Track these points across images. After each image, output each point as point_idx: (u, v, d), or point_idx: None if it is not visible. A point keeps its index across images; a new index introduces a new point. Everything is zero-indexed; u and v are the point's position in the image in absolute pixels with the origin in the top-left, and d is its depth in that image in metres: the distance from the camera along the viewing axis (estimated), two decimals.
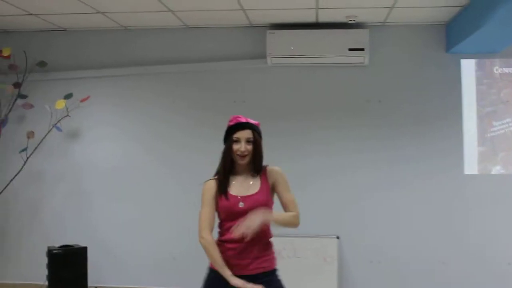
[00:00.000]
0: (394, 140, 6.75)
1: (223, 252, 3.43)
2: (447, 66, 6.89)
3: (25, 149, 6.97)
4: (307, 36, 6.79)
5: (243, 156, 3.55)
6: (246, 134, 3.55)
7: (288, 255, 6.82)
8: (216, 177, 3.60)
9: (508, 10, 5.02)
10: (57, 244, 6.61)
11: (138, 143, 7.15)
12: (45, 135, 7.01)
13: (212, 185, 3.55)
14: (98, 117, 7.26)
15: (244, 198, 3.49)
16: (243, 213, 3.40)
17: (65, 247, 6.57)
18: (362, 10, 6.36)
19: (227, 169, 3.58)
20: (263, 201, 3.51)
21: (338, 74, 7.00)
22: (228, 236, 3.45)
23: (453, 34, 6.65)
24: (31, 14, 6.48)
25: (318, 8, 6.24)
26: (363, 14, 6.51)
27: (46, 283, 6.40)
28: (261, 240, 3.49)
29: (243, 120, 3.60)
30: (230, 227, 3.41)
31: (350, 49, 6.72)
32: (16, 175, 6.97)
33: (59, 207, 7.23)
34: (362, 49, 6.71)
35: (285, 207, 3.57)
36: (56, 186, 7.27)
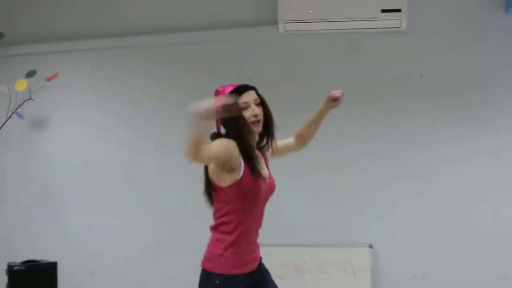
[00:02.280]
0: (442, 123, 6.24)
1: (241, 252, 3.43)
2: (506, 31, 6.44)
3: None
4: None
5: (258, 122, 3.49)
6: (252, 96, 3.52)
7: (308, 269, 6.58)
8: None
9: None
10: (19, 259, 6.32)
11: (120, 132, 6.86)
12: (3, 124, 6.72)
13: (236, 147, 3.33)
14: (68, 101, 7.05)
15: (267, 180, 3.53)
16: (266, 197, 3.51)
17: (30, 262, 6.32)
18: None
19: (249, 144, 3.44)
20: (275, 185, 3.65)
21: (368, 42, 6.59)
22: (244, 230, 3.42)
23: None
24: None
25: None
26: None
27: None
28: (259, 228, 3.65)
29: (236, 85, 3.58)
30: (250, 212, 3.43)
31: (383, 10, 6.27)
32: None
33: (21, 213, 7.04)
34: (399, 10, 6.25)
35: (287, 143, 3.99)
36: (18, 186, 7.12)
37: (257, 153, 3.58)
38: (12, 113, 6.64)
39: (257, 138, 3.60)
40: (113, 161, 6.84)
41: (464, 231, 6.19)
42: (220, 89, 3.55)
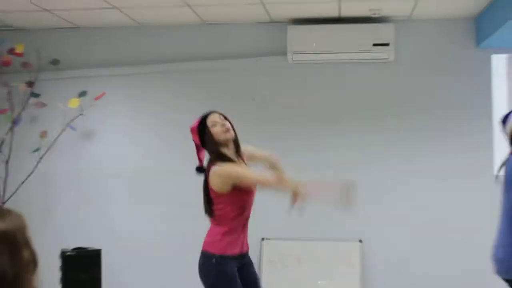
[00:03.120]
0: (421, 141, 6.52)
1: (233, 239, 3.84)
2: (477, 62, 6.72)
3: (37, 150, 6.92)
4: (329, 31, 6.70)
5: (227, 130, 3.84)
6: (217, 116, 3.91)
7: (308, 259, 6.85)
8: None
9: None
10: (70, 246, 6.49)
11: (156, 142, 7.05)
12: (59, 135, 6.93)
13: None
14: (113, 116, 7.17)
15: None
16: (251, 197, 3.87)
17: (79, 249, 6.49)
18: (387, 3, 6.26)
19: (227, 158, 3.82)
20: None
21: (362, 71, 6.88)
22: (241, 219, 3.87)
23: (483, 28, 6.50)
24: (44, 10, 6.34)
25: (341, 2, 6.09)
26: (387, 7, 6.37)
27: (60, 286, 6.29)
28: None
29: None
30: (240, 222, 3.86)
31: (375, 45, 6.59)
32: (28, 176, 6.89)
33: (73, 209, 7.16)
34: (387, 45, 6.57)
35: (264, 157, 4.24)
36: (70, 187, 7.21)
37: (239, 161, 3.93)
38: (66, 126, 6.85)
39: (232, 149, 3.90)
40: (148, 166, 6.98)
41: (442, 230, 6.44)
42: (191, 127, 3.97)
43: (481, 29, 6.52)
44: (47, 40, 7.16)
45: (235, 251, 3.89)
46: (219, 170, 3.75)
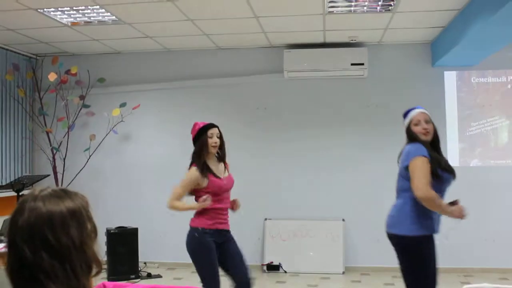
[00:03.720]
0: (389, 138, 6.57)
1: (216, 216, 4.05)
2: (432, 77, 7.12)
3: (88, 149, 7.31)
4: (317, 54, 7.01)
5: (215, 147, 4.07)
6: (215, 131, 4.11)
7: (302, 235, 7.12)
8: (196, 166, 4.05)
9: (477, 31, 5.34)
10: (114, 225, 6.79)
11: (178, 143, 7.18)
12: (104, 137, 7.34)
13: (197, 174, 4.01)
14: (146, 122, 7.52)
15: (224, 178, 4.11)
16: (227, 189, 4.11)
17: (120, 228, 6.79)
18: (362, 31, 6.60)
19: (203, 159, 4.06)
20: (233, 180, 4.20)
21: (342, 85, 7.23)
22: (218, 205, 4.04)
23: (437, 50, 6.90)
24: (94, 40, 6.85)
25: (326, 31, 6.51)
26: (362, 35, 6.76)
27: (105, 257, 6.55)
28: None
29: (207, 123, 4.15)
30: (217, 199, 4.02)
31: (352, 64, 6.94)
32: (81, 170, 7.29)
33: (115, 195, 7.50)
34: (362, 64, 6.93)
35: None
36: (113, 178, 7.55)
37: (216, 164, 4.13)
38: (110, 130, 7.30)
39: (216, 156, 4.13)
40: (171, 161, 7.08)
41: None
42: (195, 123, 4.16)
43: (435, 51, 6.95)
44: (95, 63, 7.53)
45: (216, 226, 4.04)
46: (187, 173, 4.10)
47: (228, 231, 4.17)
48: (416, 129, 3.81)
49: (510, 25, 5.05)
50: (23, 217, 1.47)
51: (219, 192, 4.06)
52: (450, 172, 3.72)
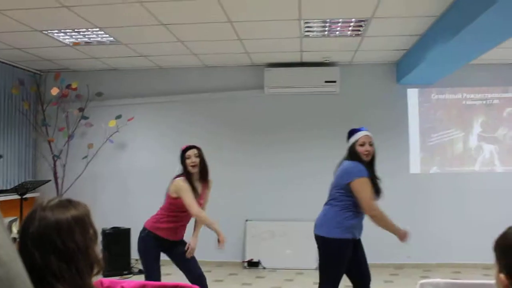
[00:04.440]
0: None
1: (177, 229, 4.10)
2: (397, 94, 7.23)
3: (86, 157, 7.30)
4: (294, 72, 7.06)
5: (194, 166, 4.09)
6: (193, 151, 4.12)
7: (279, 234, 7.15)
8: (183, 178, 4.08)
9: (436, 53, 5.46)
10: (109, 226, 6.75)
11: (167, 151, 7.11)
12: (101, 146, 7.31)
13: (187, 184, 4.04)
14: (139, 133, 7.51)
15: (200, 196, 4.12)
16: (185, 214, 4.08)
17: (115, 228, 6.75)
18: (334, 52, 6.68)
19: (188, 177, 4.09)
20: (205, 199, 4.21)
21: (317, 100, 7.29)
22: (179, 223, 4.11)
23: (401, 70, 7.00)
24: (92, 58, 6.88)
25: (302, 51, 6.59)
26: (335, 55, 6.85)
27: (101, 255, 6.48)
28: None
29: (190, 144, 4.18)
30: (182, 215, 4.05)
31: (326, 81, 7.01)
32: (79, 176, 7.27)
33: (110, 199, 7.46)
34: (335, 82, 7.00)
35: (203, 205, 4.20)
36: (108, 184, 7.53)
37: (197, 182, 4.10)
38: (107, 140, 7.26)
39: (197, 176, 4.10)
40: (162, 168, 6.57)
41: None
42: (182, 148, 4.17)
43: (400, 70, 7.05)
44: (94, 78, 7.51)
45: (165, 235, 4.04)
46: (177, 182, 4.06)
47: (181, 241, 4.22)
48: (360, 149, 3.86)
49: (465, 49, 5.19)
50: (34, 225, 1.52)
51: (183, 208, 4.05)
52: (378, 188, 3.88)
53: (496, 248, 1.58)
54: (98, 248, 1.62)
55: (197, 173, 4.13)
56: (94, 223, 1.62)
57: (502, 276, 1.50)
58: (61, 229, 1.52)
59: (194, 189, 4.05)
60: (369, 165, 3.87)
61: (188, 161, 4.09)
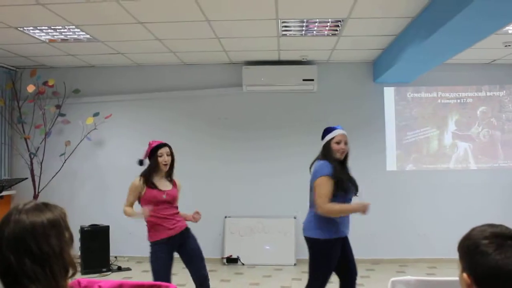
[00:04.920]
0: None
1: (163, 227, 4.06)
2: (374, 92, 7.29)
3: (63, 154, 7.26)
4: (272, 70, 7.09)
5: (166, 165, 4.13)
6: (165, 149, 4.16)
7: (258, 231, 7.20)
8: (141, 177, 4.14)
9: (411, 53, 5.53)
10: (87, 223, 6.74)
11: (143, 149, 6.75)
12: (78, 143, 7.29)
13: (137, 183, 4.12)
14: (117, 130, 7.48)
15: (165, 192, 4.13)
16: (166, 200, 4.10)
17: (93, 225, 6.75)
18: (312, 51, 6.74)
19: (152, 173, 4.14)
20: (174, 195, 4.17)
21: (295, 98, 7.34)
22: (162, 214, 4.08)
23: (378, 69, 7.06)
24: (69, 55, 6.81)
25: (280, 50, 6.62)
26: (312, 54, 6.89)
27: (79, 253, 6.48)
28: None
29: (162, 142, 4.19)
30: (158, 209, 4.04)
31: (304, 80, 7.05)
32: (57, 173, 7.23)
33: (88, 196, 7.44)
34: (312, 80, 7.04)
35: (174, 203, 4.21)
36: (86, 181, 7.50)
37: (163, 179, 4.14)
38: (84, 137, 7.23)
39: (165, 173, 4.14)
40: (141, 166, 6.80)
41: None
42: (151, 142, 4.19)
43: (377, 69, 7.11)
44: (70, 75, 7.45)
45: (166, 234, 4.04)
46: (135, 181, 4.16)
47: (183, 232, 4.18)
48: (336, 147, 3.94)
49: (440, 49, 5.27)
50: (9, 228, 1.52)
51: (157, 203, 4.07)
52: (352, 184, 3.96)
53: (459, 248, 1.64)
54: (73, 251, 1.62)
55: (165, 171, 4.18)
56: (70, 227, 1.62)
57: (465, 275, 1.55)
58: (36, 233, 1.52)
59: (154, 185, 4.08)
60: (342, 163, 3.97)
61: (160, 159, 4.11)
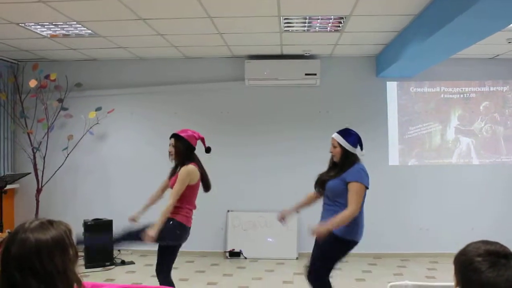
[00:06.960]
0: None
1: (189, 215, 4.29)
2: (376, 87, 7.26)
3: (66, 148, 7.25)
4: (275, 64, 7.06)
5: (169, 154, 4.35)
6: (171, 140, 4.35)
7: (261, 225, 7.21)
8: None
9: (414, 49, 5.49)
10: (90, 218, 6.75)
11: (148, 142, 7.30)
12: (81, 138, 7.28)
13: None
14: (120, 124, 7.47)
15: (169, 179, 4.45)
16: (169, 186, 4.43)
17: (96, 220, 6.74)
18: (314, 46, 6.69)
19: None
20: (171, 185, 4.35)
21: (297, 92, 7.31)
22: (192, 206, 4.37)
23: (381, 63, 7.03)
24: (71, 49, 6.79)
25: (283, 45, 6.58)
26: (315, 49, 6.86)
27: (82, 247, 6.48)
28: None
29: (174, 132, 4.34)
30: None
31: (306, 74, 7.02)
32: (59, 167, 7.23)
33: (91, 191, 7.46)
34: (315, 74, 7.02)
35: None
36: (89, 175, 7.48)
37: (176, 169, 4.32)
38: (87, 131, 7.23)
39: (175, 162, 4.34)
40: (141, 159, 7.27)
41: None
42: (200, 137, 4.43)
43: (379, 64, 7.07)
44: (73, 69, 7.42)
45: (189, 224, 4.28)
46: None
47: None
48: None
49: (442, 46, 5.24)
50: (15, 247, 1.56)
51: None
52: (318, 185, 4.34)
53: (455, 262, 1.69)
54: (77, 267, 1.65)
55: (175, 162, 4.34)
56: (74, 243, 1.65)
57: None
58: (41, 252, 1.55)
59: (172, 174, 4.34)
60: (335, 165, 4.17)
61: (169, 149, 4.35)
